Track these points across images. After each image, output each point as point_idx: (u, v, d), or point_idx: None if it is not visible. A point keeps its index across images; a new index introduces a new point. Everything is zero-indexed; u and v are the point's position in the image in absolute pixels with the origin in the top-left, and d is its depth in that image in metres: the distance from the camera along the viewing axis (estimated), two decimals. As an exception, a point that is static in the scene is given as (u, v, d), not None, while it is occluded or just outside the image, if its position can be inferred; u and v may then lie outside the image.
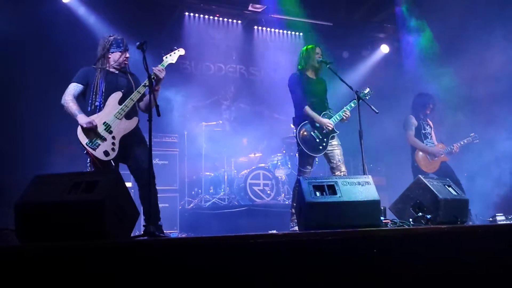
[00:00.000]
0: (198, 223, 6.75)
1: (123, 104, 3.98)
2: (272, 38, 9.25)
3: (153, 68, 4.04)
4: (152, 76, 3.92)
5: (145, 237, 3.14)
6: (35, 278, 2.09)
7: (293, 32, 9.36)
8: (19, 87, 6.08)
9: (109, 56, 4.13)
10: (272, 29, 9.22)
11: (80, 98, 4.06)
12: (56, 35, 6.37)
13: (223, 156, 7.61)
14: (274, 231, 4.53)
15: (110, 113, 3.94)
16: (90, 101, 4.01)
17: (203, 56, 8.57)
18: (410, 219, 3.64)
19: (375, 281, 2.50)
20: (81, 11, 7.04)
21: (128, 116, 4.02)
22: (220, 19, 8.69)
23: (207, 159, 7.63)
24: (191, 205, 7.26)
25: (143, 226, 3.30)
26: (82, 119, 3.84)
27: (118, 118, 3.94)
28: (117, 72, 4.18)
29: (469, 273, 2.68)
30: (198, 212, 7.00)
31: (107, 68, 4.12)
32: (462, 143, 6.01)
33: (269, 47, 9.07)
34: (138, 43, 3.73)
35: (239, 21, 8.86)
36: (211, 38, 8.55)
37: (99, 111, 3.96)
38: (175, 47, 4.39)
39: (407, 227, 3.50)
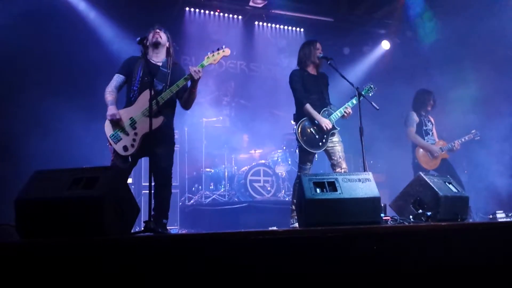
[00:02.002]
0: (198, 219, 6.76)
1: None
2: (273, 34, 9.22)
3: (190, 67, 3.99)
4: (186, 77, 3.96)
5: (145, 233, 3.14)
6: (35, 274, 2.09)
7: (294, 28, 9.34)
8: (19, 82, 6.07)
9: (147, 38, 4.09)
10: (273, 25, 9.19)
11: (125, 88, 4.09)
12: (55, 30, 6.36)
13: (224, 152, 7.61)
14: (275, 228, 4.53)
15: (139, 109, 3.92)
16: (131, 87, 4.02)
17: (204, 51, 8.47)
18: (410, 216, 3.64)
19: (376, 278, 2.50)
20: (82, 6, 7.02)
21: (155, 114, 3.93)
22: (221, 14, 8.67)
23: (207, 155, 7.63)
24: (192, 201, 7.26)
25: (144, 222, 3.29)
26: (109, 110, 3.88)
27: (145, 115, 3.88)
28: (160, 63, 4.10)
29: (469, 270, 2.68)
30: (198, 208, 7.00)
31: (148, 58, 4.06)
32: (463, 140, 6.00)
33: (270, 43, 9.06)
34: (138, 39, 3.73)
35: (240, 17, 8.83)
36: (212, 34, 8.52)
37: (135, 98, 3.97)
38: (224, 46, 4.24)
39: (407, 224, 3.50)
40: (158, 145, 3.93)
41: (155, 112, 3.90)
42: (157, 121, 3.91)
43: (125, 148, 3.84)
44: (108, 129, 3.88)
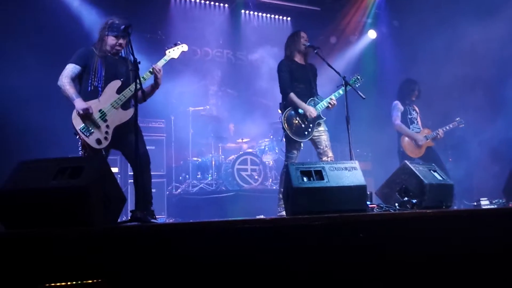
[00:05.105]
0: (185, 208, 6.76)
1: (121, 93, 3.91)
2: (260, 22, 9.18)
3: (154, 66, 4.02)
4: (149, 70, 3.99)
5: (132, 223, 3.14)
6: (19, 265, 2.07)
7: (280, 17, 9.31)
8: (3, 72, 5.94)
9: (105, 39, 4.02)
10: (260, 14, 9.15)
11: (76, 81, 3.97)
12: (39, 19, 6.24)
13: (210, 141, 7.59)
14: (262, 216, 4.55)
15: (107, 101, 3.88)
16: (89, 81, 3.91)
17: (190, 40, 8.41)
18: (396, 204, 3.68)
19: (361, 265, 2.53)
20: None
21: (125, 106, 3.96)
22: (207, 2, 8.60)
23: (194, 145, 7.61)
24: (179, 190, 7.25)
25: (130, 211, 3.28)
26: (79, 104, 3.77)
27: (114, 107, 3.88)
28: (117, 58, 4.09)
29: (454, 257, 2.72)
30: (185, 197, 7.00)
31: (105, 52, 4.02)
32: (447, 128, 6.06)
33: (257, 32, 9.00)
34: (122, 27, 3.68)
35: (226, 5, 8.77)
36: (198, 22, 8.44)
37: (98, 94, 3.90)
38: (178, 42, 4.35)
39: (393, 211, 3.54)
40: (132, 134, 3.90)
41: (125, 104, 3.96)
42: (130, 112, 3.96)
43: (98, 141, 3.78)
44: (76, 121, 3.77)
